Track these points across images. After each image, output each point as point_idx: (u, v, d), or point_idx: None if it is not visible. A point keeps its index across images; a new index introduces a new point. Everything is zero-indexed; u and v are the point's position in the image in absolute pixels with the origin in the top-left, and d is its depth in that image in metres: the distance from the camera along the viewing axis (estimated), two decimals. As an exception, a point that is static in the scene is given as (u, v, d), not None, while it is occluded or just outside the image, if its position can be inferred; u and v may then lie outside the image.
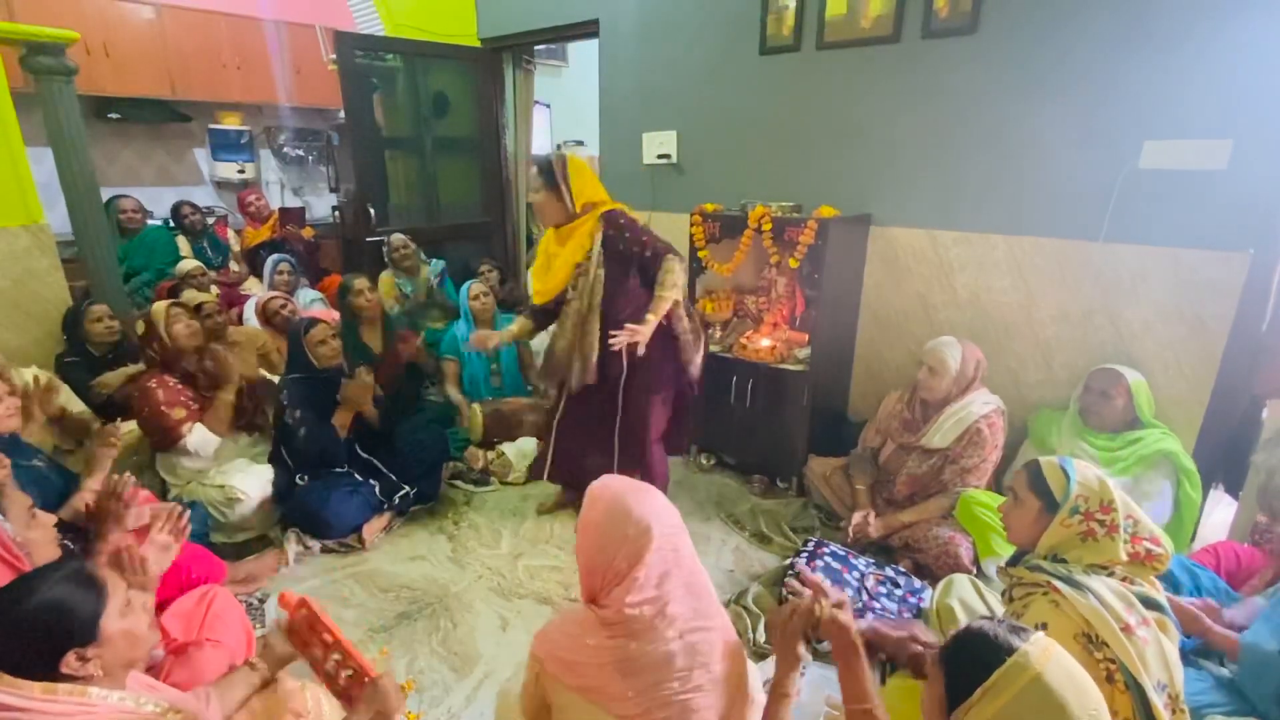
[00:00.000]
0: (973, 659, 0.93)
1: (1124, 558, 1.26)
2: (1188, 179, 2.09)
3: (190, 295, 2.92)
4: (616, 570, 1.09)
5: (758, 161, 3.07)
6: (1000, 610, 1.59)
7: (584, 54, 5.34)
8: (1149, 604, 1.24)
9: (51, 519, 1.45)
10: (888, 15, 2.54)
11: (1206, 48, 2.00)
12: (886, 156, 2.69)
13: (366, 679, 1.24)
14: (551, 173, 2.12)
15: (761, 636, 1.92)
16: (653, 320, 2.10)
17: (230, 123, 5.05)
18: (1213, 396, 2.19)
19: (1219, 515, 2.36)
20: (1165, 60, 2.07)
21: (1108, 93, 2.18)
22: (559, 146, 6.02)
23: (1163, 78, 2.08)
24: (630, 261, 2.18)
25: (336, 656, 1.28)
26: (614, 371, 2.23)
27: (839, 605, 1.18)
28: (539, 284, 2.30)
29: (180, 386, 2.33)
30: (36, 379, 2.15)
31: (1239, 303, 2.09)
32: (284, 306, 3.20)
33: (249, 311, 3.48)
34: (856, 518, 2.28)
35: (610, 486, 1.17)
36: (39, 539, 1.37)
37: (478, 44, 4.13)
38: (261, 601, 2.08)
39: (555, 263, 2.22)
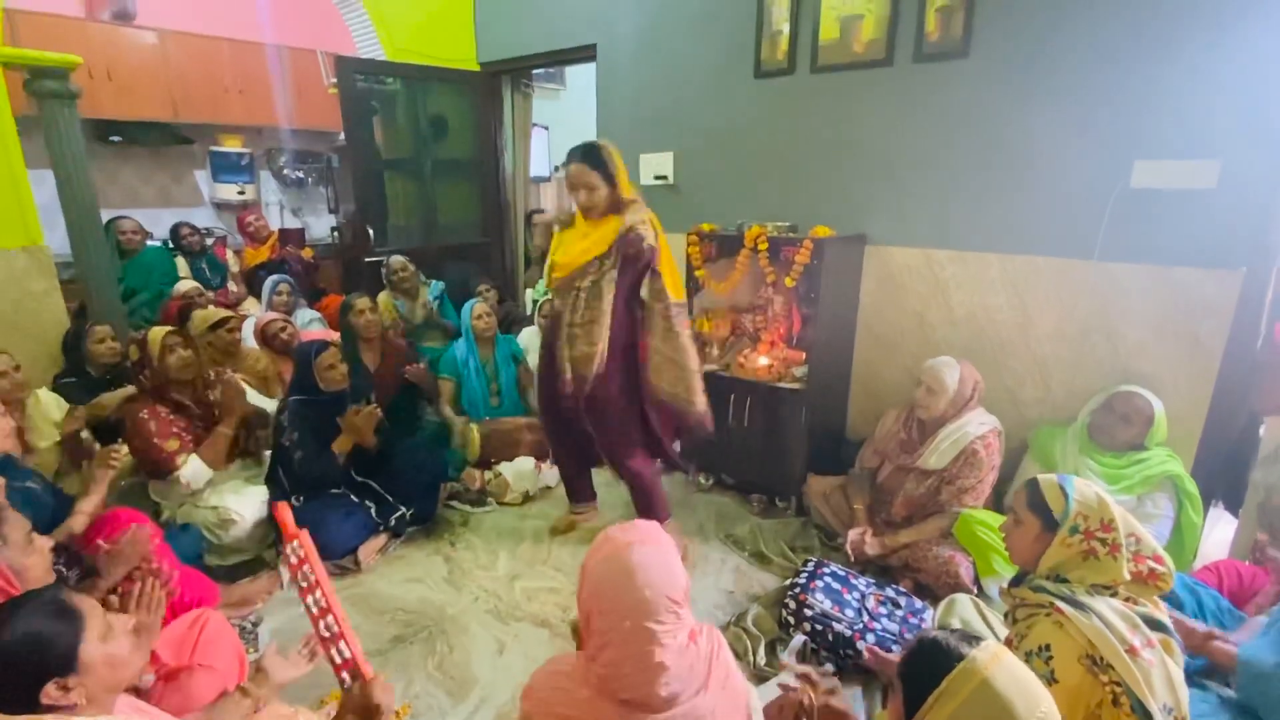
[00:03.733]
0: (926, 668, 0.96)
1: (1127, 577, 1.25)
2: (1179, 198, 2.12)
3: (205, 313, 2.91)
4: (611, 629, 1.02)
5: (753, 182, 3.10)
6: (1003, 631, 1.57)
7: (581, 77, 5.42)
8: (1153, 625, 1.23)
9: (49, 543, 1.43)
10: (880, 39, 2.58)
11: (1193, 70, 2.04)
12: (880, 177, 2.72)
13: (357, 679, 1.22)
14: (608, 167, 2.01)
15: (762, 659, 1.90)
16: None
17: (231, 145, 5.10)
18: (1210, 414, 2.19)
19: (1219, 533, 2.35)
20: (1153, 82, 2.10)
21: (1097, 114, 2.21)
22: (556, 169, 6.08)
23: (1151, 99, 2.12)
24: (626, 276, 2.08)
25: (330, 624, 1.26)
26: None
27: (832, 691, 1.18)
28: (558, 254, 2.16)
29: (172, 417, 2.28)
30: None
31: (1233, 320, 2.10)
32: (283, 329, 3.21)
33: (246, 331, 3.48)
34: (853, 535, 2.27)
35: (614, 538, 1.08)
36: (34, 564, 1.35)
37: (477, 68, 4.19)
38: (255, 625, 2.06)
39: (582, 241, 2.10)
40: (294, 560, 1.32)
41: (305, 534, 1.36)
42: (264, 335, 3.21)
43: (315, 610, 1.28)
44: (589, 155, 2.01)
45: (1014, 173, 2.41)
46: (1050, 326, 2.43)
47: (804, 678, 1.21)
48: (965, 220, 2.55)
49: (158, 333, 2.31)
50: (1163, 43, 2.07)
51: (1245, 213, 2.02)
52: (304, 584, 1.30)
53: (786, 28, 2.81)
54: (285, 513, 1.40)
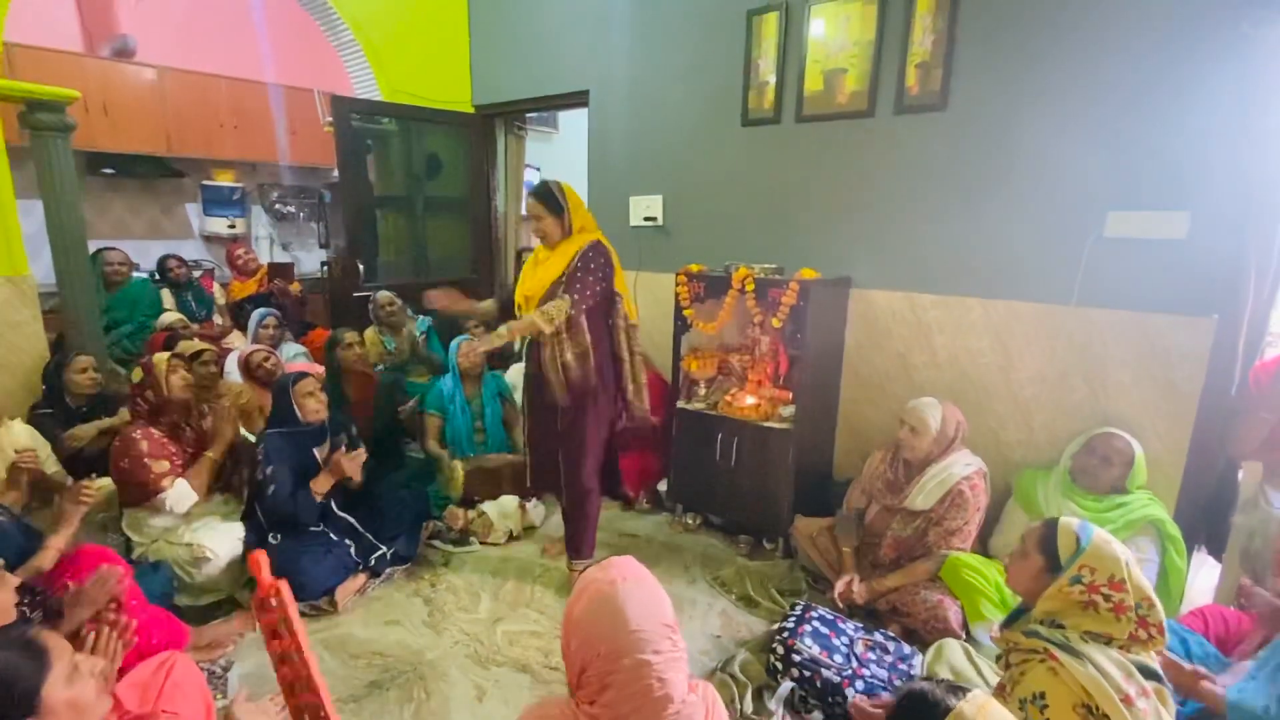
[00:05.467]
0: None
1: (1125, 638, 1.24)
2: (1151, 247, 2.19)
3: (184, 345, 2.89)
4: (610, 671, 0.99)
5: (740, 225, 3.16)
6: (993, 677, 1.55)
7: (574, 121, 5.54)
8: (1147, 674, 1.22)
9: (15, 581, 1.38)
10: (862, 91, 2.68)
11: (1163, 125, 2.13)
12: (864, 222, 2.79)
13: None
14: (555, 200, 2.26)
15: (749, 706, 1.85)
16: (498, 337, 2.14)
17: (224, 179, 5.13)
18: (1189, 458, 2.22)
19: (1203, 578, 2.35)
20: (1124, 136, 2.19)
21: (1072, 165, 2.29)
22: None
23: (1123, 152, 2.20)
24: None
25: (296, 664, 1.21)
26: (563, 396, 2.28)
27: None
28: (524, 288, 2.34)
29: (165, 440, 2.28)
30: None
31: (1208, 366, 2.15)
32: (267, 359, 3.18)
33: (231, 365, 3.44)
34: (840, 586, 2.24)
35: (595, 579, 1.06)
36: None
37: (471, 110, 4.29)
38: (225, 669, 1.98)
39: (540, 269, 2.31)
40: (267, 615, 1.28)
41: (284, 584, 1.31)
42: (247, 366, 3.17)
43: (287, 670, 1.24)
44: (538, 191, 2.30)
45: (993, 219, 2.48)
46: (1031, 369, 2.47)
47: None
48: (946, 265, 2.61)
49: (162, 356, 2.37)
50: (1133, 98, 2.17)
51: (1215, 262, 2.09)
52: (275, 637, 1.25)
53: (773, 79, 2.92)
54: (261, 561, 1.35)
